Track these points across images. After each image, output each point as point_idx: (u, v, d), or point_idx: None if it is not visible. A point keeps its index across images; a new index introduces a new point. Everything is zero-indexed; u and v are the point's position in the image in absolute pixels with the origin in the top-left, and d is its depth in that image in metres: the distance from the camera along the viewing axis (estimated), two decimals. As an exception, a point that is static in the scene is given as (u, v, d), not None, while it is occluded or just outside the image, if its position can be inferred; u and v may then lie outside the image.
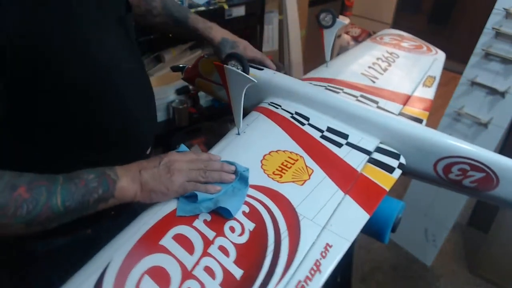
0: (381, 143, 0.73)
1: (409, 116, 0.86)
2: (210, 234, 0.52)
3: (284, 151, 0.67)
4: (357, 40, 3.11)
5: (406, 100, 0.93)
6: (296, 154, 0.67)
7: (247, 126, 0.73)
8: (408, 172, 0.73)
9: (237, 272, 0.48)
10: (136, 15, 0.82)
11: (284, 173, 0.63)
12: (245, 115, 0.74)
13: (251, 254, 0.50)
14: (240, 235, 0.53)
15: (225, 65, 0.64)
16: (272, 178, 0.61)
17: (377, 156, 0.70)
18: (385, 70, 1.04)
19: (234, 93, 0.66)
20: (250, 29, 1.90)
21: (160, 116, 1.74)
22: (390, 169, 0.67)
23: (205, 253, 0.50)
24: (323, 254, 0.51)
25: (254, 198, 0.58)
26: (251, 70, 0.81)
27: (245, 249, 0.51)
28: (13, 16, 0.48)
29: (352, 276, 1.53)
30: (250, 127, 0.73)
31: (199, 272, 0.48)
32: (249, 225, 0.54)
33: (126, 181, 0.55)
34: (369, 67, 1.04)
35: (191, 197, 0.56)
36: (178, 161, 0.59)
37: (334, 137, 0.72)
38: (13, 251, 0.70)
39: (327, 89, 0.87)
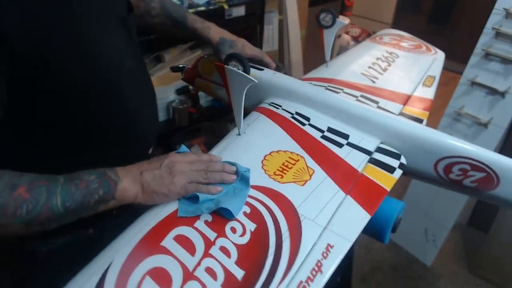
0: (381, 143, 0.73)
1: (409, 116, 0.86)
2: (211, 234, 0.52)
3: (285, 152, 0.67)
4: (357, 40, 3.11)
5: (406, 100, 0.93)
6: (297, 154, 0.67)
7: (247, 127, 0.73)
8: (408, 172, 0.73)
9: (239, 273, 0.48)
10: (135, 16, 0.82)
11: (285, 174, 0.63)
12: (245, 115, 0.74)
13: (253, 254, 0.50)
14: (242, 235, 0.52)
15: (225, 66, 0.64)
16: (273, 179, 0.61)
17: (378, 156, 0.70)
18: (385, 70, 1.05)
19: (235, 93, 0.66)
20: (250, 29, 1.90)
21: (160, 116, 1.74)
22: (390, 169, 0.67)
23: (206, 254, 0.50)
24: (325, 254, 0.51)
25: (255, 199, 0.58)
26: (252, 70, 0.81)
27: (246, 249, 0.51)
28: (13, 16, 0.48)
29: (352, 276, 1.53)
30: (251, 128, 0.73)
31: (200, 273, 0.48)
32: (250, 226, 0.54)
33: (127, 182, 0.55)
34: (369, 67, 1.04)
35: (192, 198, 0.56)
36: (180, 162, 0.58)
37: (335, 137, 0.72)
38: (14, 251, 0.70)
39: (327, 89, 0.87)
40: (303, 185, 0.61)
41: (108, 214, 0.56)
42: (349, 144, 0.71)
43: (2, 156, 0.61)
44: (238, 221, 0.54)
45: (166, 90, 1.70)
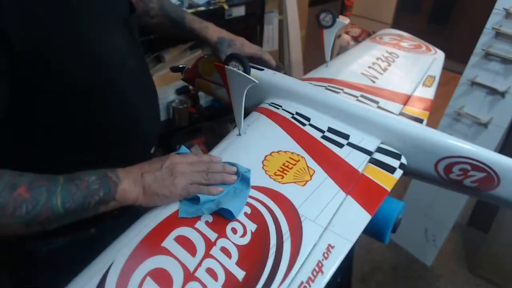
0: (382, 143, 0.73)
1: (409, 116, 0.86)
2: (212, 235, 0.52)
3: (285, 152, 0.67)
4: (357, 40, 3.11)
5: (406, 100, 0.93)
6: (298, 154, 0.67)
7: (248, 127, 0.73)
8: (409, 172, 0.73)
9: (239, 274, 0.48)
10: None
11: (286, 174, 0.62)
12: (245, 115, 0.74)
13: (253, 255, 0.50)
14: (242, 236, 0.52)
15: (226, 66, 0.64)
16: (274, 179, 0.61)
17: (378, 156, 0.70)
18: (385, 70, 1.04)
19: (235, 93, 0.66)
20: (250, 29, 1.90)
21: (160, 116, 1.74)
22: (391, 169, 0.67)
23: (207, 255, 0.50)
24: (325, 255, 0.51)
25: (255, 199, 0.58)
26: (252, 70, 0.81)
27: (247, 250, 0.51)
28: (13, 16, 0.48)
29: (352, 276, 1.53)
30: (251, 128, 0.73)
31: (201, 273, 0.48)
32: (251, 226, 0.54)
33: (128, 183, 0.55)
34: (369, 67, 1.04)
35: (193, 199, 0.56)
36: (181, 163, 0.58)
37: (335, 137, 0.72)
38: (13, 251, 0.70)
39: (327, 89, 0.87)
40: (303, 185, 0.61)
41: (109, 214, 0.56)
42: (349, 144, 0.71)
43: (2, 156, 0.61)
44: (239, 221, 0.54)
45: (166, 90, 1.70)
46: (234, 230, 0.53)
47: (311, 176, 0.63)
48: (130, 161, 0.59)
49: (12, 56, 0.49)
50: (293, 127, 0.73)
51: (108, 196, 0.53)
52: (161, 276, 0.47)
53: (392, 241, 1.93)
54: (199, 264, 0.48)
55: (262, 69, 0.85)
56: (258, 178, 0.61)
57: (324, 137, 0.72)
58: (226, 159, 0.64)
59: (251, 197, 0.58)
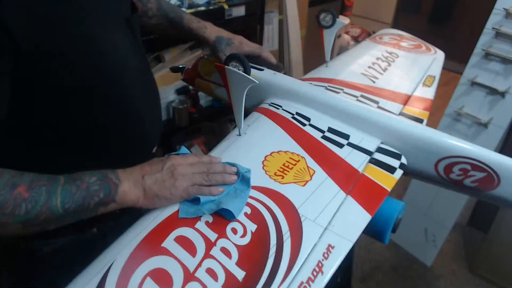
0: (382, 143, 0.73)
1: (409, 116, 0.86)
2: (212, 235, 0.52)
3: (285, 152, 0.67)
4: (357, 40, 3.11)
5: (406, 100, 0.93)
6: (298, 155, 0.67)
7: (248, 127, 0.73)
8: (409, 172, 0.73)
9: (240, 274, 0.48)
10: None
11: (286, 174, 0.62)
12: (245, 115, 0.74)
13: (253, 255, 0.50)
14: (242, 236, 0.52)
15: (226, 66, 0.64)
16: (274, 179, 0.61)
17: (378, 156, 0.70)
18: (385, 70, 1.04)
19: (236, 94, 0.66)
20: (250, 29, 1.90)
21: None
22: (391, 169, 0.67)
23: (207, 255, 0.50)
24: (325, 255, 0.51)
25: (255, 200, 0.58)
26: (252, 70, 0.81)
27: (247, 250, 0.51)
28: (17, 15, 0.48)
29: (352, 276, 1.53)
30: (251, 128, 0.73)
31: (201, 274, 0.48)
32: (251, 227, 0.54)
33: (128, 185, 0.55)
34: (369, 67, 1.04)
35: (194, 200, 0.56)
36: (181, 165, 0.58)
37: (335, 137, 0.72)
38: (16, 250, 0.70)
39: (327, 89, 0.87)
40: (303, 185, 0.61)
41: (111, 214, 0.55)
42: (349, 144, 0.71)
43: (2, 155, 0.61)
44: (239, 222, 0.54)
45: (166, 90, 1.70)
46: (234, 230, 0.53)
47: (311, 176, 0.63)
48: (133, 160, 0.59)
49: (15, 55, 0.49)
50: (293, 127, 0.73)
51: (108, 198, 0.53)
52: (161, 276, 0.47)
53: (392, 241, 1.93)
54: (199, 264, 0.48)
55: (262, 69, 0.85)
56: (258, 178, 0.61)
57: (324, 137, 0.72)
58: (226, 159, 0.64)
59: (251, 197, 0.58)
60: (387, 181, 0.65)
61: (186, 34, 0.89)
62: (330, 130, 0.74)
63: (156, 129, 0.79)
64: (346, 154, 0.69)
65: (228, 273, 0.48)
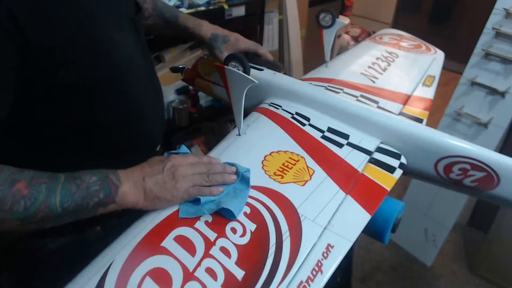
0: (381, 143, 0.73)
1: (409, 115, 0.86)
2: (212, 235, 0.52)
3: (285, 152, 0.67)
4: (357, 40, 3.11)
5: (406, 99, 0.93)
6: (297, 154, 0.67)
7: (247, 127, 0.73)
8: (409, 172, 0.73)
9: (239, 273, 0.48)
10: None
11: (285, 174, 0.63)
12: (245, 115, 0.74)
13: (253, 255, 0.50)
14: (242, 236, 0.52)
15: (225, 66, 0.64)
16: (273, 179, 0.61)
17: (378, 156, 0.70)
18: (384, 70, 1.05)
19: (235, 94, 0.66)
20: (250, 29, 1.90)
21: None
22: (391, 169, 0.67)
23: (206, 254, 0.50)
24: (325, 254, 0.51)
25: (255, 199, 0.58)
26: (252, 70, 0.81)
27: (246, 250, 0.51)
28: (27, 12, 0.48)
29: (352, 276, 1.53)
30: (251, 128, 0.73)
31: (200, 273, 0.48)
32: (251, 226, 0.54)
33: (128, 187, 0.54)
34: (369, 67, 1.04)
35: (194, 200, 0.56)
36: (182, 165, 0.58)
37: (335, 137, 0.72)
38: (17, 250, 0.70)
39: (327, 89, 0.87)
40: (303, 185, 0.61)
41: (114, 212, 0.55)
42: (349, 144, 0.71)
43: (2, 155, 0.61)
44: (238, 221, 0.54)
45: (166, 90, 1.70)
46: (233, 230, 0.53)
47: (310, 176, 0.63)
48: (137, 159, 0.59)
49: (23, 48, 0.49)
50: (293, 127, 0.73)
51: (108, 199, 0.53)
52: (160, 275, 0.47)
53: (392, 241, 1.92)
54: (199, 264, 0.48)
55: (262, 69, 0.85)
56: (257, 178, 0.61)
57: (323, 137, 0.72)
58: (226, 159, 0.64)
59: (250, 197, 0.58)
60: (387, 180, 0.65)
61: (182, 33, 0.89)
62: (330, 130, 0.74)
63: (159, 127, 0.79)
64: (346, 154, 0.69)
65: (228, 273, 0.48)
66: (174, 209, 0.56)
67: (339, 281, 1.34)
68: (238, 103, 0.67)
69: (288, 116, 0.76)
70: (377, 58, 1.09)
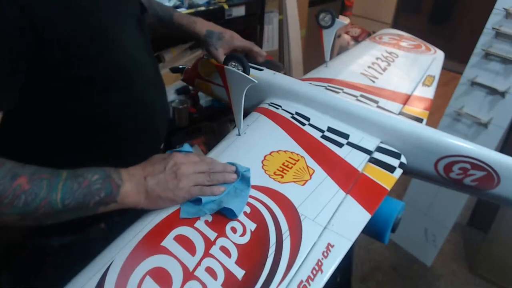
0: (381, 142, 0.73)
1: (409, 115, 0.86)
2: (212, 234, 0.52)
3: (285, 152, 0.67)
4: (357, 40, 3.11)
5: (406, 99, 0.93)
6: (297, 154, 0.67)
7: (247, 127, 0.73)
8: (409, 172, 0.73)
9: (239, 273, 0.48)
10: None
11: (285, 173, 0.63)
12: (245, 115, 0.74)
13: (253, 254, 0.50)
14: (242, 235, 0.52)
15: (225, 66, 0.64)
16: (273, 179, 0.61)
17: (378, 155, 0.70)
18: (384, 69, 1.05)
19: (235, 93, 0.66)
20: (250, 29, 1.90)
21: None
22: (391, 169, 0.67)
23: (206, 254, 0.50)
24: (325, 253, 0.51)
25: (255, 199, 0.58)
26: (251, 70, 0.81)
27: (246, 249, 0.51)
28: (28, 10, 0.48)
29: (352, 276, 1.53)
30: (251, 128, 0.73)
31: (200, 272, 0.48)
32: (251, 226, 0.54)
33: (130, 186, 0.54)
34: (369, 66, 1.04)
35: (195, 200, 0.56)
36: (184, 164, 0.58)
37: (335, 137, 0.72)
38: (21, 248, 0.69)
39: (327, 89, 0.87)
40: (303, 185, 0.61)
41: (116, 210, 0.55)
42: (349, 143, 0.71)
43: (2, 155, 0.61)
44: (239, 221, 0.54)
45: (166, 90, 1.70)
46: (233, 229, 0.53)
47: (310, 175, 0.63)
48: (143, 156, 0.59)
49: (36, 44, 0.49)
50: (293, 127, 0.73)
51: (109, 198, 0.53)
52: (160, 275, 0.47)
53: (392, 241, 1.92)
54: (199, 263, 0.48)
55: (262, 69, 0.85)
56: (258, 177, 0.61)
57: (323, 137, 0.72)
58: (226, 159, 0.64)
59: (251, 196, 0.58)
60: (387, 180, 0.65)
61: (177, 31, 0.89)
62: (330, 129, 0.74)
63: (165, 124, 0.80)
64: (346, 153, 0.69)
65: (228, 272, 0.48)
66: (174, 208, 0.56)
67: (339, 281, 1.34)
68: (238, 103, 0.67)
69: (288, 116, 0.76)
70: (377, 58, 1.09)
